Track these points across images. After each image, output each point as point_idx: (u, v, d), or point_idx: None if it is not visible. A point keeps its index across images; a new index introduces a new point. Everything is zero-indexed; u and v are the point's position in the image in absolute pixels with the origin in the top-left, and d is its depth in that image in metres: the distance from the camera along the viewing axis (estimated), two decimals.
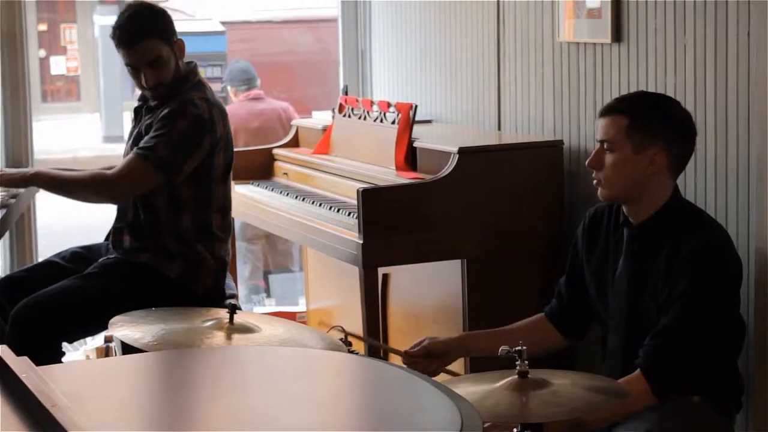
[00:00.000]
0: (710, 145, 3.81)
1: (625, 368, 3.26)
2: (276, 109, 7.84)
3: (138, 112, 4.31)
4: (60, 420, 1.86)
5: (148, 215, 4.15)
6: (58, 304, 4.00)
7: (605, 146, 3.29)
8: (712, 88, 3.83)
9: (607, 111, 3.31)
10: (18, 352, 2.22)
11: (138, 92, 4.36)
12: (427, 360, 3.50)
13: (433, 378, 3.39)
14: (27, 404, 2.02)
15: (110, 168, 4.20)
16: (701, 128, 3.63)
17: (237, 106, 7.87)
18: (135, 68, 4.15)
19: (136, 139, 4.18)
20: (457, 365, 4.37)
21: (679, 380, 3.18)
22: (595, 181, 3.34)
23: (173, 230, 4.14)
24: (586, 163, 3.36)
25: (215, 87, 9.47)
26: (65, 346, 4.19)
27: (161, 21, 4.19)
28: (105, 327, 3.82)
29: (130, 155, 4.09)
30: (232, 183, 5.27)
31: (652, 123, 3.25)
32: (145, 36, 4.12)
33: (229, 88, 8.05)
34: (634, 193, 3.28)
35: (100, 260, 4.23)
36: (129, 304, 3.63)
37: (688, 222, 3.26)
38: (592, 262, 3.45)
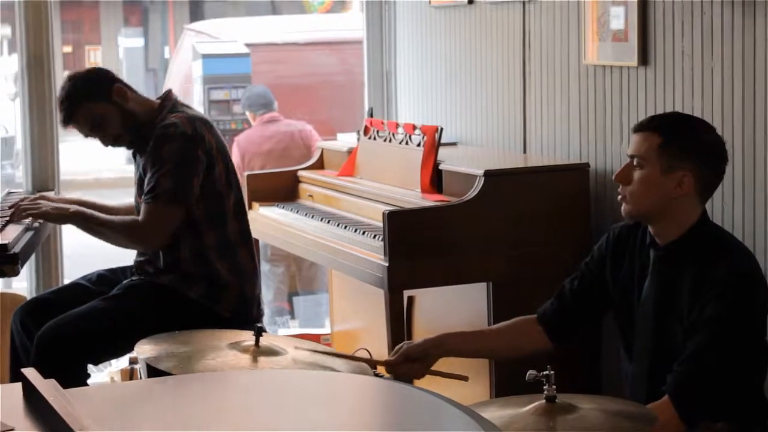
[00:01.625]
0: (738, 168, 3.79)
1: (650, 391, 3.24)
2: (290, 130, 7.85)
3: (134, 155, 4.32)
4: None
5: (168, 247, 4.15)
6: (83, 327, 4.01)
7: (635, 162, 3.27)
8: (740, 111, 3.81)
9: (642, 127, 3.29)
10: (43, 375, 2.22)
11: None
12: (409, 364, 3.46)
13: (419, 379, 3.40)
14: (55, 427, 2.02)
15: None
16: (729, 151, 3.60)
17: (249, 132, 7.91)
18: (88, 136, 4.27)
19: (139, 183, 4.20)
20: (483, 390, 4.37)
21: (707, 406, 3.15)
22: (620, 197, 3.31)
23: (194, 254, 4.14)
24: (613, 177, 3.34)
25: (240, 109, 9.53)
26: (90, 367, 4.19)
27: (80, 87, 4.23)
28: (130, 348, 3.83)
29: (143, 204, 4.09)
30: (257, 205, 5.29)
31: (685, 145, 3.23)
32: (70, 111, 4.21)
33: (247, 113, 8.07)
34: (658, 213, 3.26)
35: (124, 282, 4.23)
36: (154, 325, 3.63)
37: (717, 245, 3.24)
38: (617, 285, 3.42)
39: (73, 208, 4.25)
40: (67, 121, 4.24)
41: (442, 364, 3.52)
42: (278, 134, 7.80)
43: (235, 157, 7.85)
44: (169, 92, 4.32)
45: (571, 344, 3.58)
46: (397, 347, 3.50)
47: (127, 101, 4.22)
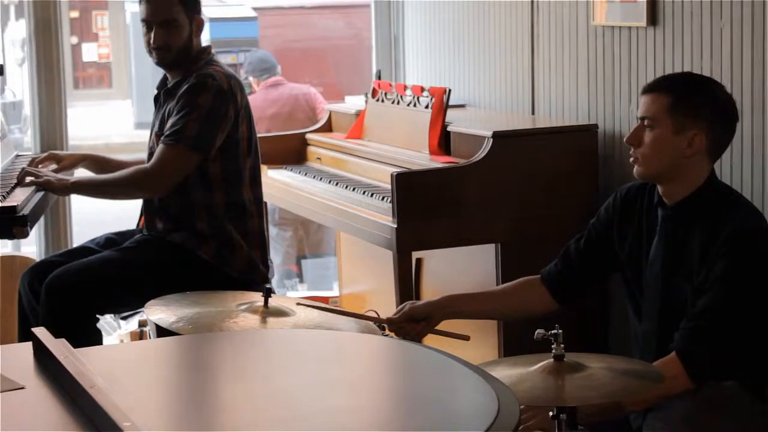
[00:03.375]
0: (746, 128, 3.78)
1: (658, 351, 3.24)
2: (294, 94, 7.82)
3: (157, 100, 4.32)
4: (99, 401, 1.87)
5: (178, 198, 4.16)
6: (92, 274, 4.01)
7: (645, 123, 3.26)
8: (749, 71, 3.80)
9: (651, 88, 3.28)
10: (52, 321, 2.23)
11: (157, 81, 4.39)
12: (411, 324, 3.46)
13: (422, 340, 3.41)
14: (65, 385, 2.03)
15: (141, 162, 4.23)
16: (738, 112, 3.60)
17: (253, 97, 7.87)
18: (149, 25, 4.20)
19: (160, 125, 4.20)
20: (491, 349, 4.38)
21: (715, 363, 3.16)
22: (631, 159, 3.31)
23: (205, 210, 4.15)
24: (625, 139, 3.33)
25: (244, 73, 9.54)
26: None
27: None
28: (137, 303, 3.85)
29: (161, 145, 4.09)
30: (266, 168, 5.29)
31: (696, 104, 3.23)
32: None
33: (251, 79, 8.05)
34: (670, 173, 3.26)
35: (136, 236, 4.25)
36: (162, 279, 3.65)
37: (724, 204, 3.24)
38: (625, 245, 3.42)
39: (74, 178, 4.25)
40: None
41: (448, 324, 3.53)
42: (282, 98, 7.78)
43: None
44: (210, 46, 4.35)
45: (575, 305, 3.59)
46: (400, 306, 3.51)
47: (198, 35, 4.25)
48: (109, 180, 4.20)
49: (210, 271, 4.10)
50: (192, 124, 4.06)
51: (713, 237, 3.16)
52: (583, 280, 3.54)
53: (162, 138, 4.11)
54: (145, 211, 4.28)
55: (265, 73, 7.89)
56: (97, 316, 4.12)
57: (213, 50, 4.37)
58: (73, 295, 3.95)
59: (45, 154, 4.64)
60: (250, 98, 7.90)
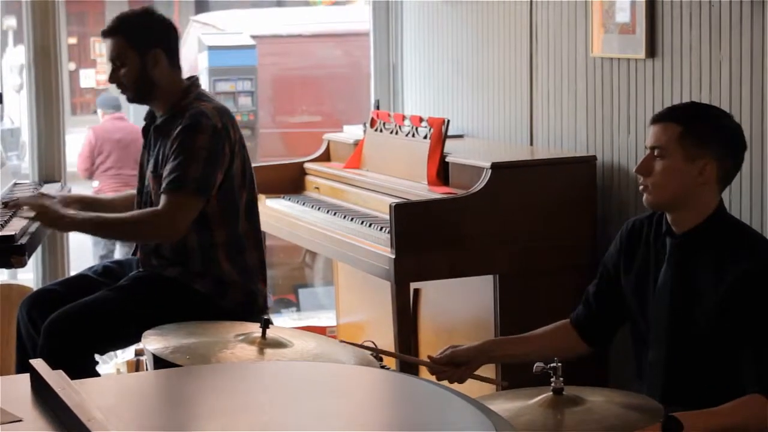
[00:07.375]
0: (746, 160, 3.77)
1: (666, 380, 3.24)
2: (135, 129, 9.01)
3: (146, 133, 4.29)
4: None
5: (176, 242, 4.14)
6: (90, 316, 4.00)
7: (655, 153, 3.27)
8: (748, 104, 3.81)
9: (660, 118, 3.30)
10: (51, 364, 2.22)
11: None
12: (453, 368, 3.49)
13: (461, 384, 3.41)
14: (63, 418, 2.02)
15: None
16: (746, 141, 3.59)
17: (103, 122, 9.41)
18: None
19: (155, 165, 4.15)
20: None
21: None
22: (641, 188, 3.31)
23: (199, 250, 4.11)
24: (635, 169, 3.33)
25: (246, 101, 9.70)
26: (96, 358, 4.19)
27: (136, 26, 4.21)
28: (136, 339, 3.83)
29: (166, 194, 4.02)
30: (263, 197, 5.29)
31: (706, 133, 3.24)
32: (111, 33, 4.20)
33: (99, 111, 9.52)
34: (681, 201, 3.26)
35: (131, 274, 4.23)
36: (160, 316, 3.63)
37: (735, 234, 3.24)
38: (631, 275, 3.42)
39: (81, 215, 4.18)
40: (104, 35, 4.23)
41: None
42: (127, 128, 9.26)
43: (87, 145, 9.20)
44: (196, 78, 4.30)
45: (605, 348, 3.58)
46: (442, 350, 3.52)
47: (155, 68, 4.17)
48: (119, 220, 4.13)
49: (207, 303, 4.08)
50: (192, 169, 4.00)
51: (723, 266, 3.16)
52: (608, 321, 3.53)
53: (164, 185, 4.03)
54: (141, 248, 4.26)
55: (111, 109, 9.40)
56: (97, 356, 4.12)
57: (199, 83, 4.30)
58: (72, 339, 3.94)
59: (36, 194, 4.58)
60: (100, 126, 8.75)
